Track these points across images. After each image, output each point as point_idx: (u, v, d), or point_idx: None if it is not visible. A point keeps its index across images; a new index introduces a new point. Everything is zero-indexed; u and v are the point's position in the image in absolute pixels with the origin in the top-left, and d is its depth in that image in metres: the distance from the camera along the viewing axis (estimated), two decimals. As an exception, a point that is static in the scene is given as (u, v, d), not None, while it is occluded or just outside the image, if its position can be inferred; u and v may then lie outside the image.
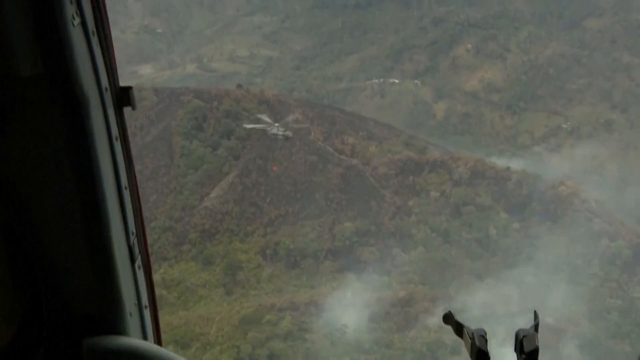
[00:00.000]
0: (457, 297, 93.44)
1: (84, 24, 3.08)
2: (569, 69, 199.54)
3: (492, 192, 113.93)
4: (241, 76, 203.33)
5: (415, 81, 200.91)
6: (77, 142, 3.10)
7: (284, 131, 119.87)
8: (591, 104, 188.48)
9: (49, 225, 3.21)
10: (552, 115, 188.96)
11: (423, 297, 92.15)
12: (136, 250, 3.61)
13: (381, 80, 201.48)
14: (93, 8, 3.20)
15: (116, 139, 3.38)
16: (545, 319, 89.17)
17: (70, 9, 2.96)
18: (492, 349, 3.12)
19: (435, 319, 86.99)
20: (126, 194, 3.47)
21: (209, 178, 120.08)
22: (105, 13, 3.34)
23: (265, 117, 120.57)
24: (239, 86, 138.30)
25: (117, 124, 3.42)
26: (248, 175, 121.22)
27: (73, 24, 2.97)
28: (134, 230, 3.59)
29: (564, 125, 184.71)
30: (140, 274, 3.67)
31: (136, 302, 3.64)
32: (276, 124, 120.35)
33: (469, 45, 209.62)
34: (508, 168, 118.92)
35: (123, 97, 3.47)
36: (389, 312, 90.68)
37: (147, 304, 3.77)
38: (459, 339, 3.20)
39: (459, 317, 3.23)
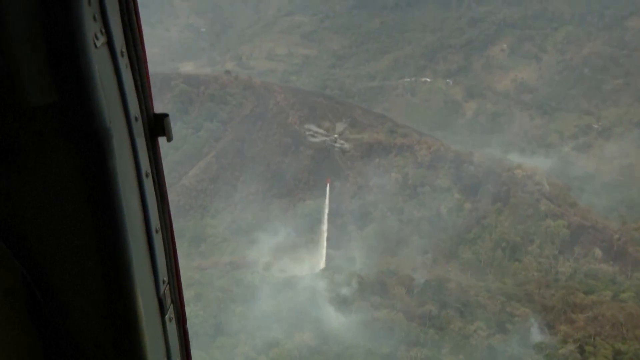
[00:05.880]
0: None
1: (110, 43, 2.68)
2: (605, 69, 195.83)
3: (451, 175, 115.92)
4: (277, 74, 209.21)
5: (447, 80, 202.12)
6: (96, 181, 2.63)
7: (342, 144, 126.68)
8: (626, 105, 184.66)
9: (64, 276, 2.80)
10: (583, 115, 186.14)
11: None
12: (167, 300, 3.16)
13: (413, 79, 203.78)
14: (124, 25, 2.79)
15: (146, 176, 2.93)
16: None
17: (92, 27, 2.56)
18: None
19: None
20: (157, 238, 3.03)
21: (189, 158, 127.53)
22: (139, 30, 2.91)
23: (313, 127, 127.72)
24: (227, 72, 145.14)
25: (150, 157, 2.98)
26: (225, 156, 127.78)
27: (95, 45, 2.56)
28: (166, 278, 3.14)
29: (595, 125, 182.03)
30: (172, 327, 3.23)
31: (165, 359, 3.22)
32: (335, 135, 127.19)
33: (504, 45, 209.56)
34: (470, 152, 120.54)
35: (157, 125, 3.00)
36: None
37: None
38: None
39: None
